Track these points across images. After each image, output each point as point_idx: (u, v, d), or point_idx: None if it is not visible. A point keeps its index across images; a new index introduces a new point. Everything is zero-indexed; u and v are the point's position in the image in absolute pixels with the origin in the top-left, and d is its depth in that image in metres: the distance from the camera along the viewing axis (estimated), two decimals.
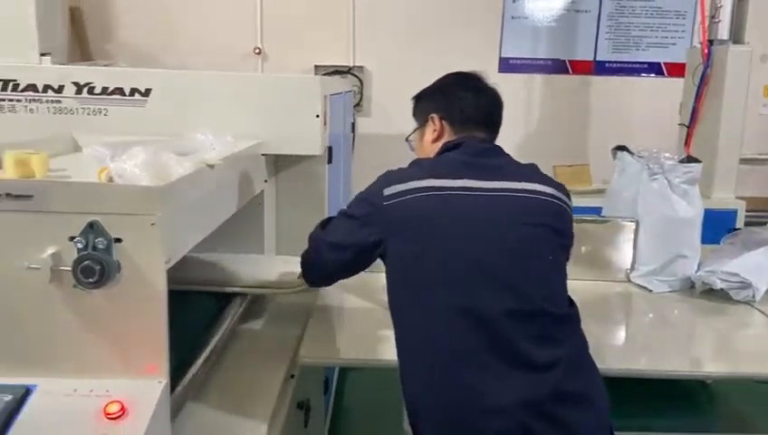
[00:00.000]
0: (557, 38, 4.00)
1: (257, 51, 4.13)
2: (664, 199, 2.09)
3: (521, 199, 1.47)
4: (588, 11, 3.95)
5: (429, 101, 1.69)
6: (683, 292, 2.15)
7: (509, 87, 4.18)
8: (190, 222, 1.32)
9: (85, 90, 2.05)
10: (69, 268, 1.09)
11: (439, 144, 1.62)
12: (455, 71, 1.73)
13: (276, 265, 1.91)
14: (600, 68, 4.03)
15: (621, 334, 2.06)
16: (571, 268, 1.55)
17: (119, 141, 1.48)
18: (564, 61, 4.03)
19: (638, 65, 4.01)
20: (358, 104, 4.08)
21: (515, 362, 1.34)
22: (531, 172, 1.54)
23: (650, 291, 2.14)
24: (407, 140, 1.79)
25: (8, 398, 1.09)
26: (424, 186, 1.46)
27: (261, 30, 4.12)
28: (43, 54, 2.21)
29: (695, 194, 2.09)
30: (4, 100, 2.05)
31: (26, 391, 1.10)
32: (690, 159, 2.11)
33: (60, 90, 2.05)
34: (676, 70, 3.92)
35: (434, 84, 1.72)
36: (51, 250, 1.09)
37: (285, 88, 2.09)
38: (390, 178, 1.52)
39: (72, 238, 1.09)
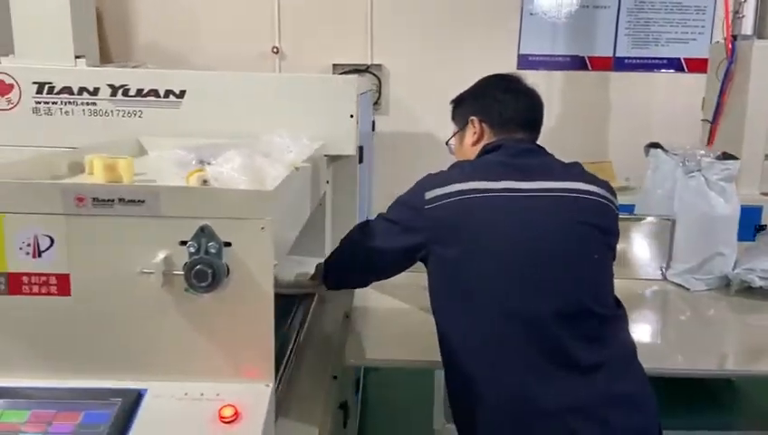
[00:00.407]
0: (576, 34, 4.02)
1: (275, 50, 4.12)
2: (701, 197, 2.12)
3: (565, 199, 1.48)
4: (607, 7, 3.97)
5: (468, 105, 1.70)
6: (719, 290, 2.18)
7: (528, 84, 4.21)
8: (289, 225, 1.33)
9: (120, 92, 2.07)
10: (180, 272, 1.10)
11: (479, 146, 1.64)
12: (495, 73, 1.76)
13: (290, 265, 1.93)
14: (620, 64, 4.05)
15: (658, 333, 2.09)
16: (620, 265, 1.57)
17: (195, 145, 1.50)
18: (583, 57, 4.05)
19: (657, 61, 4.04)
20: (376, 102, 4.09)
21: (563, 364, 1.36)
22: (574, 171, 1.55)
23: (687, 289, 2.16)
24: (447, 143, 1.80)
25: (120, 402, 1.10)
26: (466, 188, 1.47)
27: (279, 29, 4.11)
28: (77, 57, 2.21)
29: (732, 191, 2.11)
30: (39, 102, 2.07)
31: (138, 395, 1.11)
32: (726, 156, 2.13)
33: (95, 92, 2.07)
34: (696, 65, 3.95)
35: (472, 87, 1.74)
36: (162, 254, 1.10)
37: (320, 88, 2.10)
38: (431, 181, 1.53)
39: (182, 243, 1.10)
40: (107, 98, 2.06)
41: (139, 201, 1.10)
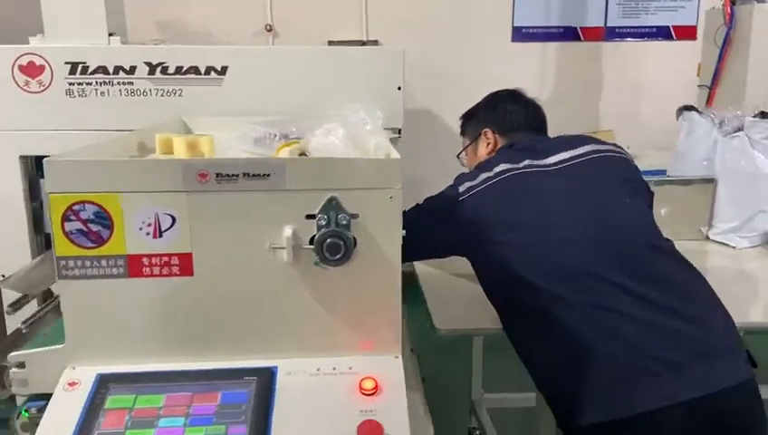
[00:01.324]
0: (568, 5, 4.05)
1: (268, 28, 4.05)
2: (745, 156, 2.17)
3: (588, 161, 1.58)
4: None
5: (481, 118, 1.84)
6: (764, 246, 2.23)
7: (523, 56, 4.24)
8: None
9: (158, 70, 1.97)
10: (310, 247, 1.07)
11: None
12: (504, 88, 1.90)
13: None
14: (611, 34, 4.09)
15: None
16: None
17: (263, 121, 1.46)
18: (575, 28, 4.08)
19: (647, 29, 4.09)
20: None
21: (645, 304, 1.38)
22: (586, 139, 1.66)
23: (733, 247, 2.21)
24: (458, 156, 1.93)
25: (254, 381, 1.08)
26: (493, 174, 1.56)
27: (270, 7, 4.03)
28: (110, 35, 2.11)
29: None
30: (73, 84, 1.96)
31: (271, 373, 1.09)
32: (764, 115, 2.18)
33: (132, 71, 1.97)
34: (685, 32, 4.02)
35: (483, 102, 1.89)
36: (289, 228, 1.07)
37: (366, 60, 2.05)
38: (462, 178, 1.62)
39: (308, 216, 1.08)
40: (144, 77, 1.97)
41: (264, 175, 1.07)
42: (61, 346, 1.11)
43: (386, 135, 1.28)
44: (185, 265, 1.09)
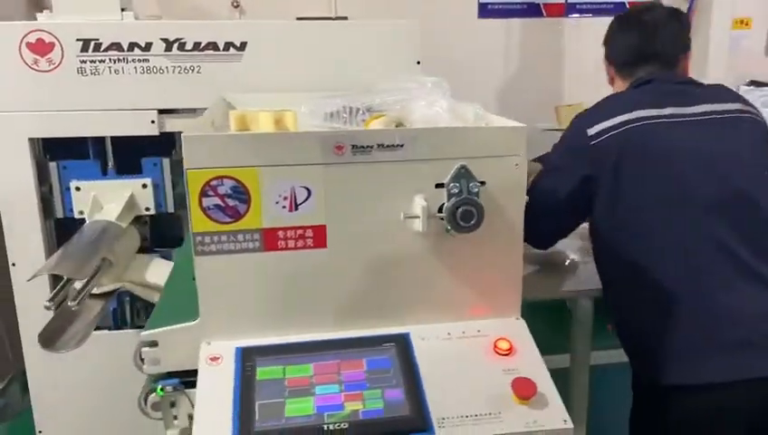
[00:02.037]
0: None
1: (235, 4, 3.96)
2: None
3: (727, 120, 1.56)
4: None
5: (605, 51, 1.83)
6: None
7: (489, 31, 4.30)
8: None
9: (175, 46, 1.91)
10: (439, 214, 1.11)
11: (623, 86, 1.72)
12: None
13: None
14: (572, 9, 4.23)
15: None
16: None
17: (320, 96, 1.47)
18: (538, 4, 4.19)
19: (605, 5, 4.25)
20: None
21: (752, 277, 1.44)
22: (725, 92, 1.64)
23: None
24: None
25: (393, 347, 1.11)
26: (633, 117, 1.52)
27: None
28: (123, 9, 2.03)
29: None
30: (85, 61, 1.88)
31: (406, 339, 1.13)
32: (757, 84, 2.33)
33: (147, 47, 1.89)
34: None
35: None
36: (421, 198, 1.10)
37: (385, 34, 2.07)
38: (590, 117, 1.59)
39: (438, 185, 1.11)
40: (161, 53, 1.90)
41: (398, 145, 1.09)
42: (194, 323, 1.10)
43: (476, 105, 1.31)
44: (319, 237, 1.10)
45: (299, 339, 1.11)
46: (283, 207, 1.08)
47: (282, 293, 1.11)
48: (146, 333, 1.10)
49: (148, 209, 1.99)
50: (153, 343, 1.10)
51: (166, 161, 2.00)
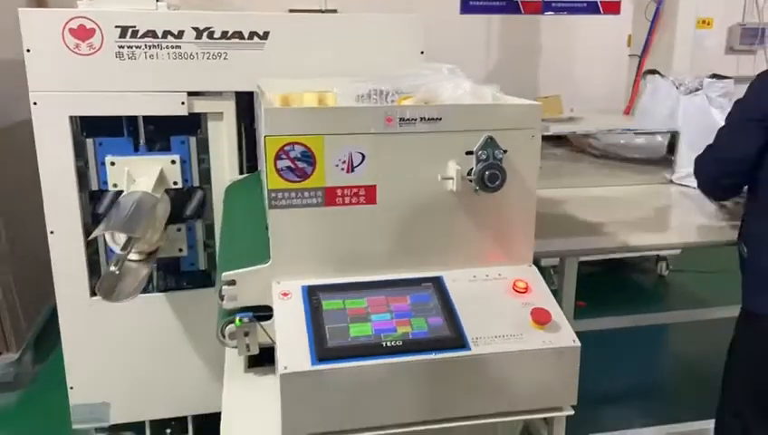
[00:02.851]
0: None
1: None
2: (704, 112, 2.60)
3: None
4: None
5: None
6: None
7: (471, 27, 4.56)
8: None
9: (205, 34, 2.10)
10: (470, 177, 1.34)
11: None
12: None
13: None
14: (548, 7, 4.49)
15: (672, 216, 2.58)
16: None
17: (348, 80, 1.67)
18: (517, 1, 4.44)
19: (578, 4, 4.53)
20: None
21: None
22: None
23: (693, 188, 2.65)
24: None
25: (431, 286, 1.34)
26: None
27: None
28: (157, 0, 2.21)
29: (727, 105, 2.60)
30: (123, 47, 2.06)
31: (440, 280, 1.36)
32: (718, 77, 2.62)
33: (180, 35, 2.08)
34: (611, 7, 4.49)
35: None
36: (454, 162, 1.33)
37: (394, 27, 2.26)
38: None
39: (468, 152, 1.34)
40: (192, 41, 2.09)
41: (437, 118, 1.32)
42: (266, 265, 1.31)
43: (495, 87, 1.54)
44: (370, 195, 1.32)
45: (353, 279, 1.33)
46: (342, 169, 1.30)
47: (338, 241, 1.33)
48: (226, 274, 1.31)
49: (175, 183, 2.18)
50: (231, 282, 1.31)
51: (192, 139, 2.19)
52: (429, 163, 1.33)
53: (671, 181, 2.74)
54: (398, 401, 1.21)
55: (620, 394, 2.98)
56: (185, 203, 2.22)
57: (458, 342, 1.22)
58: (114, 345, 2.25)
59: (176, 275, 2.27)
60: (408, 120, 1.30)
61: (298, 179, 1.28)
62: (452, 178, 1.33)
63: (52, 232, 2.13)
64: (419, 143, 1.32)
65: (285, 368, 1.15)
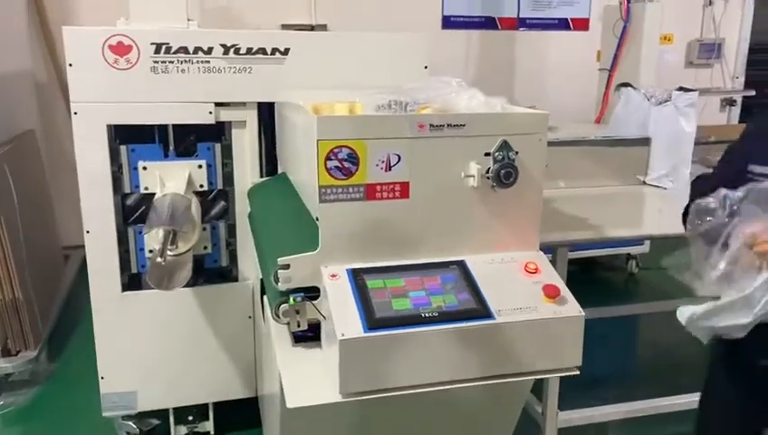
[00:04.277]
0: None
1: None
2: (672, 120, 2.89)
3: None
4: None
5: None
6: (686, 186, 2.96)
7: (452, 41, 4.84)
8: None
9: (232, 50, 2.32)
10: (488, 175, 1.58)
11: None
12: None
13: None
14: (523, 23, 4.80)
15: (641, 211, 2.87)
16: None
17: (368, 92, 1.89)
18: (494, 18, 4.74)
19: (550, 21, 4.85)
20: None
21: None
22: None
23: (665, 188, 2.94)
24: None
25: (456, 268, 1.57)
26: None
27: None
28: (189, 20, 2.41)
29: (692, 115, 2.89)
30: (157, 62, 2.27)
31: (464, 264, 1.59)
32: (684, 89, 2.92)
33: (209, 51, 2.30)
34: (580, 24, 4.82)
35: None
36: (475, 163, 1.57)
37: (402, 44, 2.48)
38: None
39: (486, 154, 1.58)
40: (220, 56, 2.30)
41: (461, 125, 1.55)
42: (316, 252, 1.53)
43: (503, 99, 1.78)
44: (404, 190, 1.55)
45: (390, 263, 1.55)
46: (381, 168, 1.52)
47: (377, 230, 1.55)
48: (281, 259, 1.52)
49: (202, 186, 2.39)
50: (286, 266, 1.52)
51: (217, 146, 2.40)
52: (454, 163, 1.57)
53: (644, 182, 3.03)
54: (434, 363, 1.44)
55: (597, 376, 3.25)
56: (210, 204, 2.42)
57: (484, 312, 1.46)
58: (142, 337, 2.43)
59: (200, 271, 2.47)
60: (438, 126, 1.53)
61: (344, 177, 1.50)
62: (473, 176, 1.56)
63: (87, 231, 2.31)
64: (446, 146, 1.55)
65: (343, 335, 1.37)
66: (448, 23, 4.68)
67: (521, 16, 4.81)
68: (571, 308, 1.51)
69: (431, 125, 1.53)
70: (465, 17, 4.71)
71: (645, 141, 3.00)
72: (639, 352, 3.75)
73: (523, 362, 1.49)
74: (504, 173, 1.57)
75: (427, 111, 1.74)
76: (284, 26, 4.40)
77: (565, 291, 1.54)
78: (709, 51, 5.61)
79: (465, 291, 1.51)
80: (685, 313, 1.58)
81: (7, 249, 2.92)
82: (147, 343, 2.45)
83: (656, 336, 3.79)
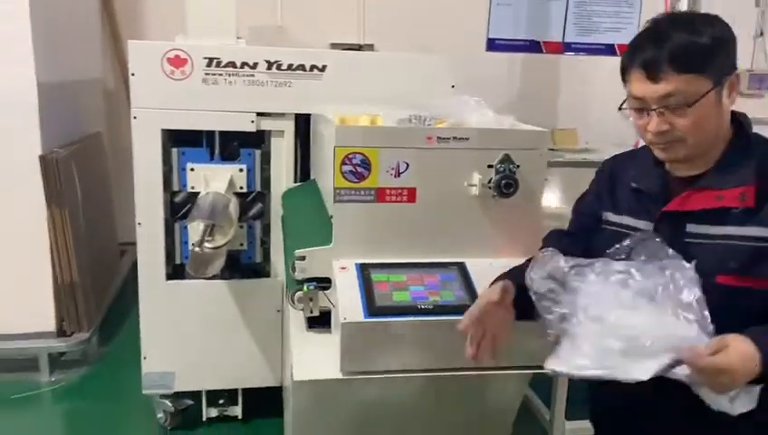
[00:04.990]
0: (533, 22, 4.83)
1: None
2: None
3: None
4: None
5: (730, 52, 1.30)
6: None
7: (496, 63, 4.97)
8: None
9: (275, 66, 2.54)
10: (490, 185, 1.73)
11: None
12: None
13: None
14: (568, 48, 4.91)
15: None
16: None
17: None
18: (539, 42, 4.87)
19: (597, 46, 4.94)
20: None
21: None
22: None
23: None
24: (690, 105, 1.27)
25: (456, 268, 1.73)
26: None
27: (281, 7, 4.59)
28: (238, 38, 2.65)
29: None
30: (209, 74, 2.50)
31: (463, 265, 1.74)
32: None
33: (254, 66, 2.52)
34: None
35: (724, 26, 1.30)
36: (477, 173, 1.73)
37: (429, 64, 2.66)
38: None
39: (489, 166, 1.74)
40: (264, 71, 2.52)
41: (466, 138, 1.72)
42: (329, 246, 1.71)
43: (512, 117, 1.94)
44: (411, 195, 1.72)
45: (395, 260, 1.72)
46: (391, 174, 1.69)
47: (385, 230, 1.72)
48: (298, 251, 1.71)
49: (241, 188, 2.60)
50: (302, 258, 1.71)
51: (257, 152, 2.61)
52: (458, 173, 1.73)
53: None
54: (427, 352, 1.60)
55: None
56: (248, 205, 2.64)
57: None
58: (182, 323, 2.65)
59: (236, 266, 2.68)
60: (444, 138, 1.70)
61: (357, 181, 1.68)
62: (475, 185, 1.72)
63: (139, 224, 2.55)
64: (451, 157, 1.72)
65: (345, 318, 1.55)
66: (493, 45, 4.83)
67: (566, 41, 4.93)
68: None
69: (438, 137, 1.70)
70: (509, 40, 4.85)
71: None
72: None
73: (510, 356, 1.63)
74: (505, 184, 1.72)
75: (443, 126, 1.91)
76: (333, 45, 4.62)
77: None
78: (760, 81, 5.59)
79: (463, 289, 1.67)
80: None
81: (69, 239, 3.19)
82: (185, 329, 2.66)
83: None
